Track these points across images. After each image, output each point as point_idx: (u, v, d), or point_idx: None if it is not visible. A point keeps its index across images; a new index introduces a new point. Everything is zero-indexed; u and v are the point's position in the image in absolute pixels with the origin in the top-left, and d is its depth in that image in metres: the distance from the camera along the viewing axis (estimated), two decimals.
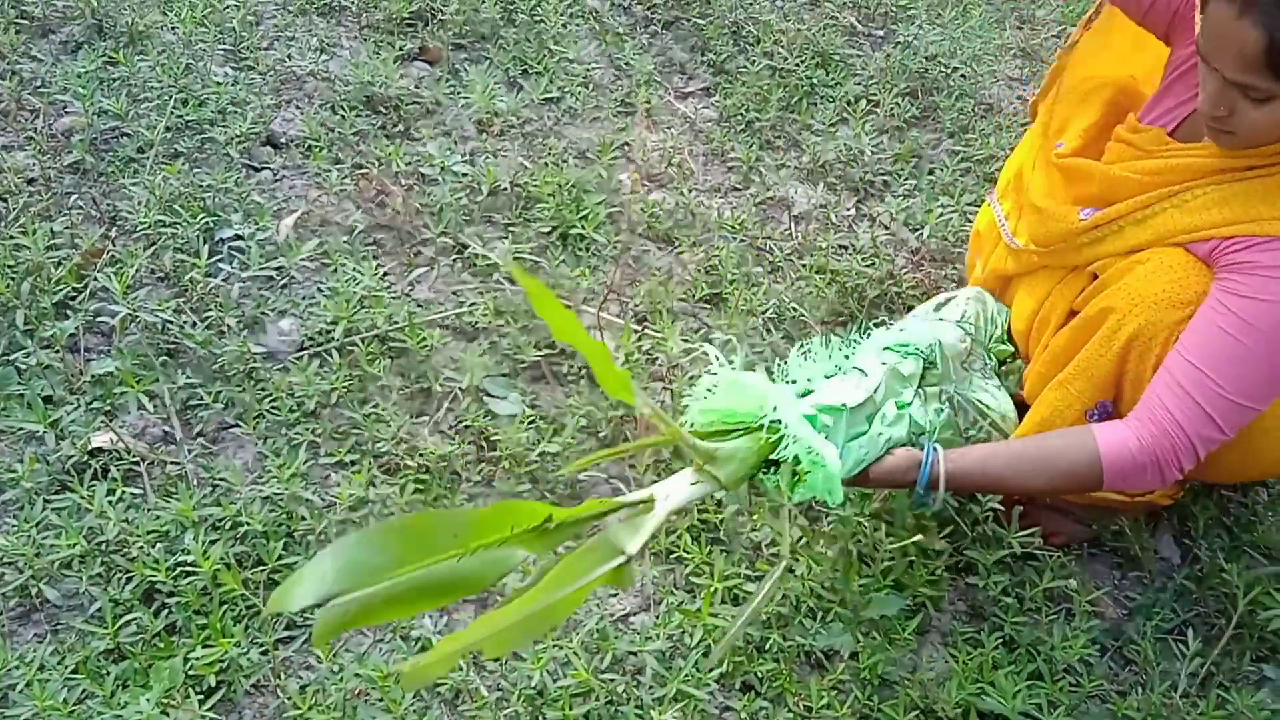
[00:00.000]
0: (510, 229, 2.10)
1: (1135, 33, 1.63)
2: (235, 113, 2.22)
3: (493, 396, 1.79)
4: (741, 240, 2.14)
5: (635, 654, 1.46)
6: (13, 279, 1.82)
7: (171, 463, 1.64)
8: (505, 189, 2.17)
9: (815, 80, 2.56)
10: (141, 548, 1.49)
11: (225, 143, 2.15)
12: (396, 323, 1.85)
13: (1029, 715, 1.44)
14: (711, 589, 1.53)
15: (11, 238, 1.88)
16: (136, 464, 1.62)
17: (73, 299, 1.83)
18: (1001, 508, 1.55)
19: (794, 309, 1.98)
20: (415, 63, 2.49)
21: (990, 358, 1.69)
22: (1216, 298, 1.36)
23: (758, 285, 2.03)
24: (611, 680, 1.42)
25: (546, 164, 2.22)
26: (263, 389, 1.74)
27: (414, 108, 2.33)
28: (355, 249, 2.00)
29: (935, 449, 1.39)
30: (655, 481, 1.25)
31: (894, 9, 2.89)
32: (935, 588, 1.56)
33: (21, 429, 1.64)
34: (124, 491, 1.57)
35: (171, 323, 1.80)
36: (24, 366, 1.72)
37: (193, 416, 1.72)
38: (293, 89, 2.35)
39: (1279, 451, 1.51)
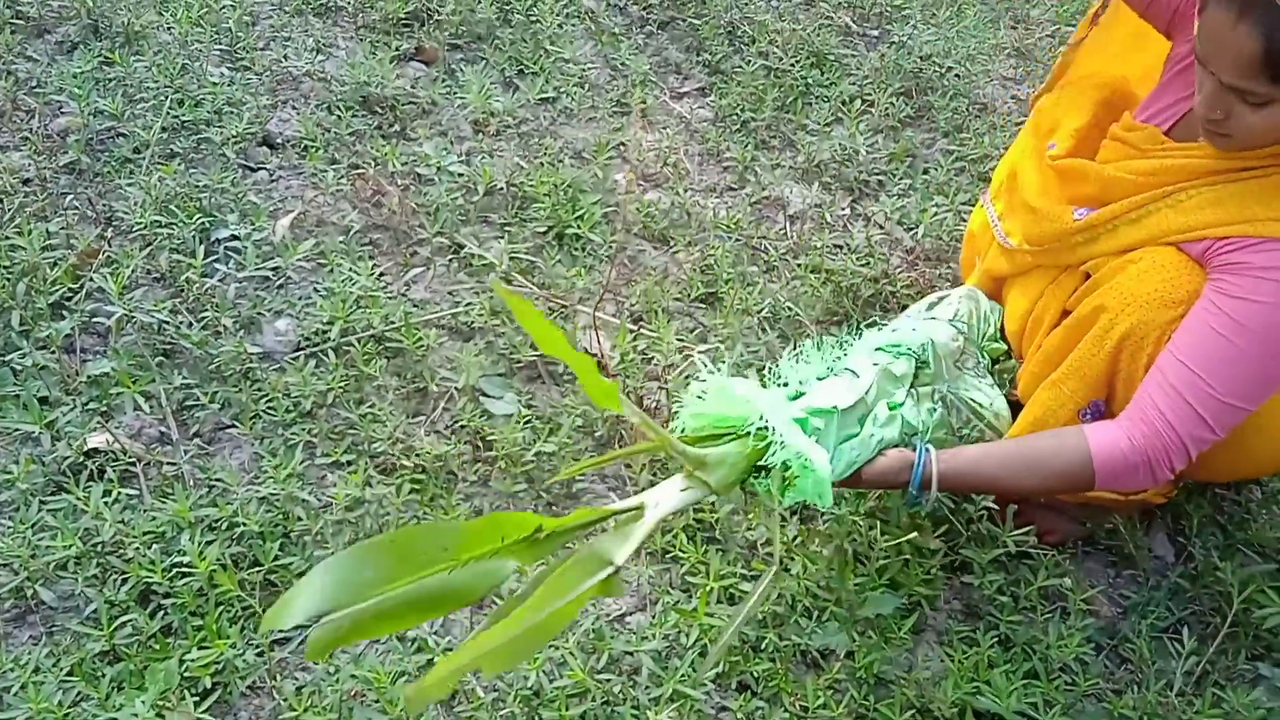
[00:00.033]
0: (506, 229, 2.10)
1: (1133, 32, 1.63)
2: (231, 113, 2.22)
3: (489, 396, 1.80)
4: (737, 240, 2.15)
5: (631, 654, 1.46)
6: (8, 279, 1.82)
7: (168, 463, 1.64)
8: (501, 189, 2.17)
9: (810, 80, 2.56)
10: (137, 549, 1.49)
11: (221, 143, 2.14)
12: (393, 323, 1.85)
13: (1025, 714, 1.44)
14: (707, 588, 1.54)
15: (7, 238, 1.88)
16: (132, 465, 1.62)
17: (68, 299, 1.83)
18: (996, 506, 1.55)
19: (789, 308, 1.99)
20: (411, 63, 2.49)
21: (983, 356, 1.70)
22: (1209, 298, 1.37)
23: (753, 285, 2.04)
24: (608, 680, 1.42)
25: (542, 164, 2.22)
26: (259, 389, 1.74)
27: (410, 108, 2.33)
28: (351, 249, 2.00)
29: (927, 450, 1.39)
30: (652, 482, 1.26)
31: (889, 9, 2.89)
32: (930, 587, 1.57)
33: (17, 430, 1.64)
34: (120, 492, 1.57)
35: (167, 323, 1.80)
36: (19, 367, 1.72)
37: (189, 417, 1.72)
38: (289, 89, 2.35)
39: (1272, 450, 1.52)
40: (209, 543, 1.51)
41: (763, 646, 1.49)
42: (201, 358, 1.77)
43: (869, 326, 1.69)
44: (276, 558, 1.51)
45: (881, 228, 2.21)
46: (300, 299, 1.90)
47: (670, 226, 2.16)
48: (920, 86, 2.61)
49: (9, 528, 1.53)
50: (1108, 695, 1.50)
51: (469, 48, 2.56)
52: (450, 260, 2.03)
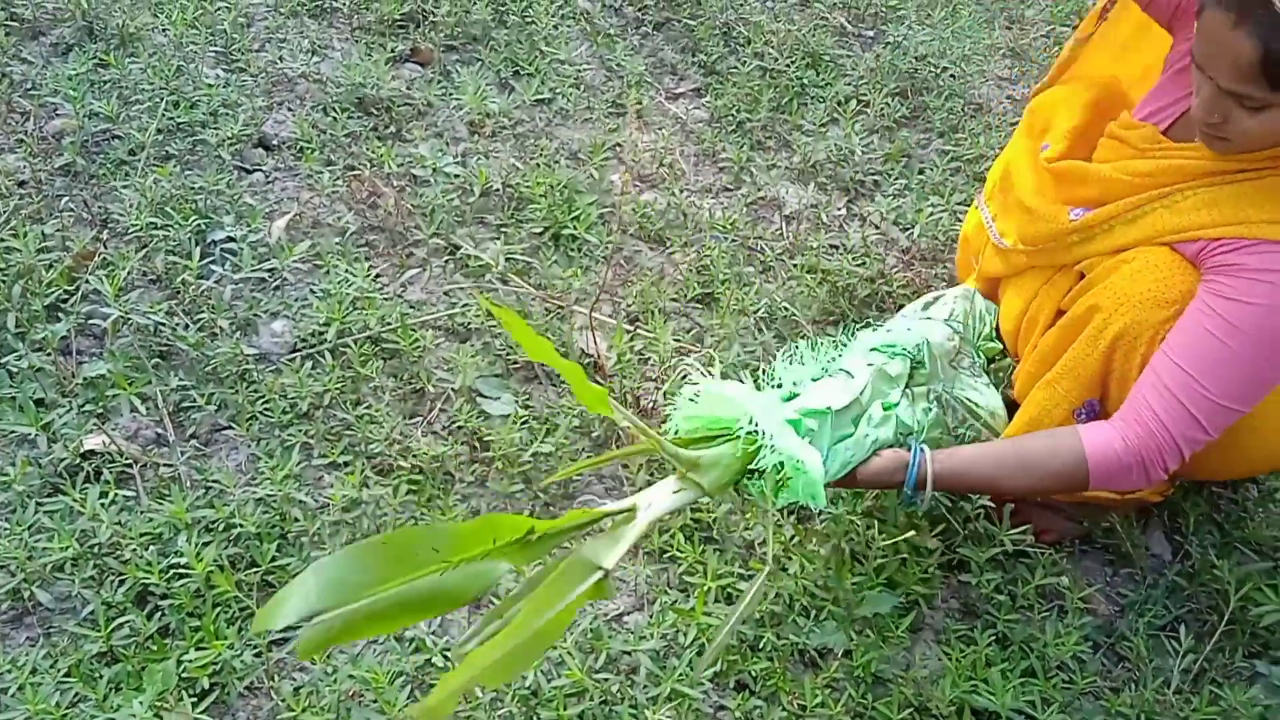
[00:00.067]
0: (502, 230, 2.10)
1: (1131, 31, 1.63)
2: (227, 115, 2.22)
3: (485, 397, 1.79)
4: (733, 240, 2.15)
5: (629, 653, 1.46)
6: (3, 282, 1.81)
7: (164, 465, 1.64)
8: (497, 190, 2.17)
9: (806, 81, 2.57)
10: (134, 550, 1.49)
11: (217, 145, 2.14)
12: (389, 324, 1.85)
13: (1022, 712, 1.44)
14: (705, 588, 1.54)
15: (2, 240, 1.88)
16: (129, 466, 1.62)
17: (64, 302, 1.83)
18: (993, 505, 1.55)
19: (785, 308, 1.99)
20: (407, 64, 2.49)
21: (979, 355, 1.70)
22: (1203, 299, 1.37)
23: (749, 285, 2.04)
24: (606, 680, 1.42)
25: (538, 165, 2.22)
26: (255, 391, 1.74)
27: (406, 109, 2.33)
28: (347, 250, 2.00)
29: (922, 450, 1.40)
30: (649, 484, 1.26)
31: (884, 9, 2.90)
32: (928, 585, 1.57)
33: (13, 432, 1.64)
34: (116, 494, 1.57)
35: (164, 325, 1.80)
36: (15, 370, 1.71)
37: (185, 418, 1.72)
38: (284, 91, 2.35)
39: (1265, 449, 1.52)
40: (206, 544, 1.51)
41: (760, 645, 1.49)
42: (198, 359, 1.77)
43: (864, 327, 1.69)
44: (274, 559, 1.51)
45: (877, 228, 2.21)
46: (296, 300, 1.90)
47: (666, 227, 2.16)
48: (915, 87, 2.61)
49: (6, 530, 1.53)
50: (1105, 693, 1.50)
51: (464, 49, 2.56)
52: (446, 261, 2.03)
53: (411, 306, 1.93)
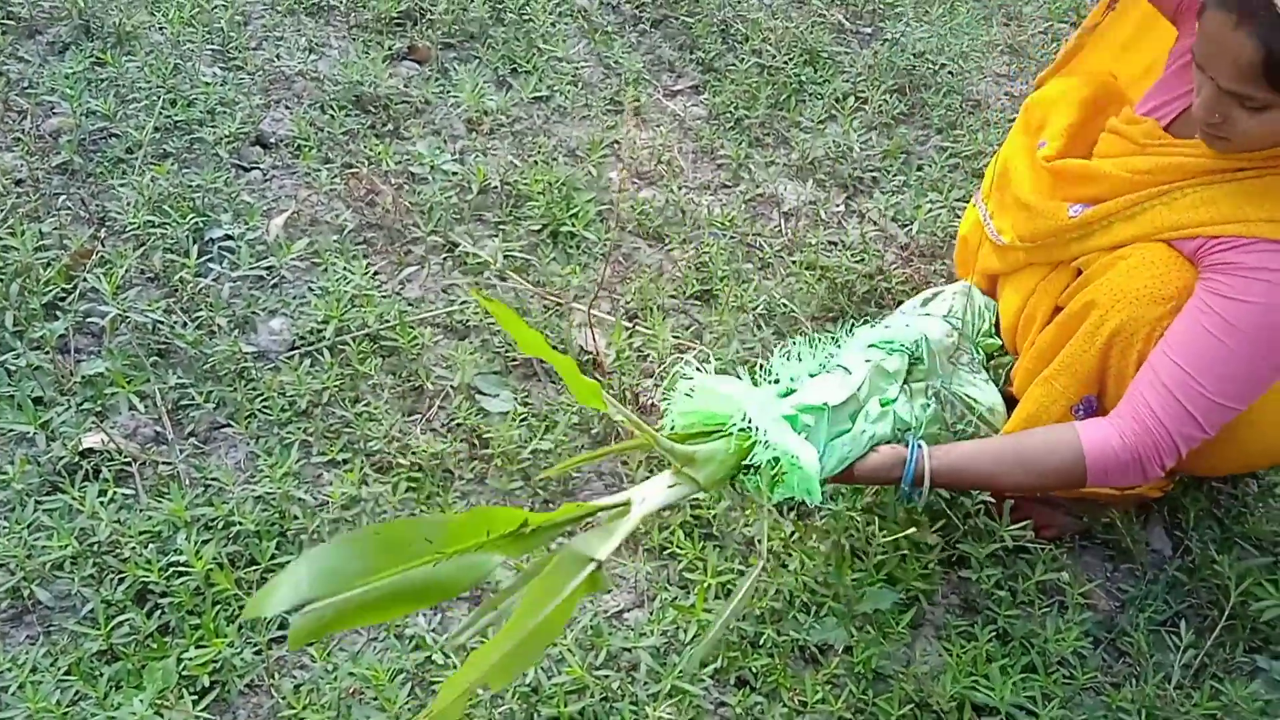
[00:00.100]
0: (500, 227, 2.10)
1: (1134, 29, 1.63)
2: (224, 113, 2.22)
3: (484, 394, 1.79)
4: (731, 237, 2.15)
5: (629, 650, 1.46)
6: (1, 280, 1.81)
7: (163, 463, 1.64)
8: (495, 187, 2.17)
9: (804, 78, 2.56)
10: (134, 548, 1.49)
11: (214, 143, 2.14)
12: (387, 321, 1.85)
13: (1023, 708, 1.44)
14: (705, 585, 1.54)
15: (0, 239, 1.87)
16: (128, 464, 1.62)
17: (62, 300, 1.83)
18: (992, 501, 1.55)
19: (784, 305, 1.99)
20: (404, 62, 2.49)
21: (978, 351, 1.70)
22: (1200, 297, 1.37)
23: (748, 282, 2.04)
24: (606, 677, 1.42)
25: (536, 162, 2.22)
26: (254, 388, 1.73)
27: (403, 107, 2.33)
28: (345, 248, 2.00)
29: (920, 446, 1.40)
30: (648, 477, 1.26)
31: (881, 6, 2.90)
32: (928, 581, 1.57)
33: (12, 430, 1.63)
34: (115, 492, 1.57)
35: (162, 323, 1.79)
36: (14, 368, 1.71)
37: (184, 416, 1.71)
38: (282, 89, 2.35)
39: (1263, 444, 1.52)
40: (205, 542, 1.51)
41: (761, 642, 1.49)
42: (196, 357, 1.77)
43: (863, 324, 1.69)
44: (273, 556, 1.51)
45: (876, 224, 2.21)
46: (295, 298, 1.90)
47: (665, 224, 2.16)
48: (913, 83, 2.61)
49: (5, 528, 1.52)
50: (1106, 689, 1.50)
51: (462, 46, 2.55)
52: (445, 259, 2.03)
53: (410, 304, 1.92)
